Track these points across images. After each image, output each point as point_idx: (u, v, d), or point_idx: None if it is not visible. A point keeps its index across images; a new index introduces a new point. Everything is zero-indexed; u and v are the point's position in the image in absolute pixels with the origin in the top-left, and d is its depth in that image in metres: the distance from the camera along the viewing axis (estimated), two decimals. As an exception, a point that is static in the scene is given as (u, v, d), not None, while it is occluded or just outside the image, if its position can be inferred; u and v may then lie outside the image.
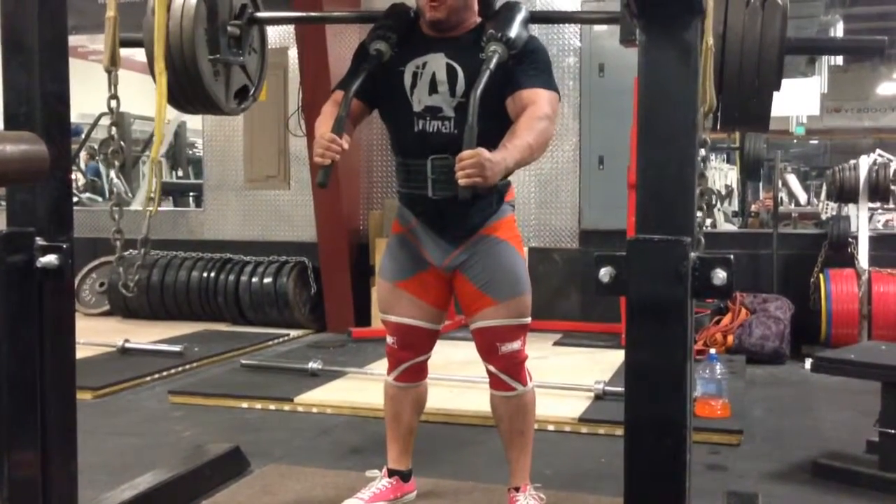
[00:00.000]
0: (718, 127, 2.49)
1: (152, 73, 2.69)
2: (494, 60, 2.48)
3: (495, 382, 2.78)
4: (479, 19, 2.71)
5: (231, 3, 3.00)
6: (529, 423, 2.84)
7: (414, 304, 2.80)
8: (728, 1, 2.33)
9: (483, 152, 2.31)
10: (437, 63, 2.65)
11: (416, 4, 2.70)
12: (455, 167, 2.33)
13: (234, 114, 3.13)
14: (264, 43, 3.23)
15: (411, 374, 2.88)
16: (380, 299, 2.89)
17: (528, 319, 2.75)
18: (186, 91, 2.86)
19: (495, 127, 2.53)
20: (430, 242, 2.76)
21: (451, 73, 2.63)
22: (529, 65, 2.59)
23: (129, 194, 8.96)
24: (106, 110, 2.46)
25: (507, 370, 2.74)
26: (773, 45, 2.30)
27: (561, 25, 6.59)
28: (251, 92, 3.17)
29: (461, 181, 2.32)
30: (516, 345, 2.73)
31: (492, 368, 2.76)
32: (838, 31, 8.88)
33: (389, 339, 2.86)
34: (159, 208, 2.80)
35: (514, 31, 2.54)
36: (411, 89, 2.67)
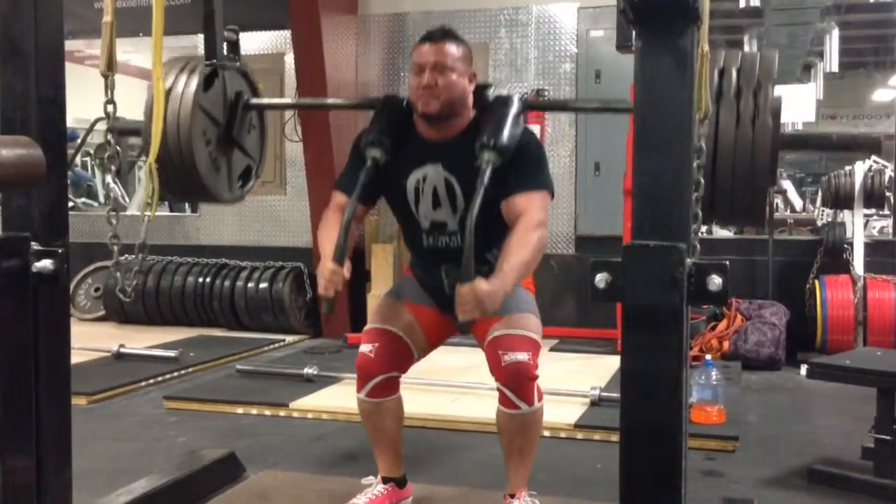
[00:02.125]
0: (713, 222, 2.54)
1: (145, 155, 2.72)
2: (488, 174, 2.51)
3: (501, 398, 2.65)
4: (473, 113, 2.72)
5: (226, 94, 3.05)
6: (532, 441, 2.75)
7: (411, 324, 2.80)
8: (719, 104, 2.34)
9: (480, 286, 2.33)
10: (436, 177, 2.69)
11: (409, 97, 2.70)
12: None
13: (236, 201, 3.18)
14: (263, 120, 3.28)
15: (382, 389, 2.78)
16: (376, 312, 2.87)
17: (536, 336, 2.68)
18: (185, 185, 2.93)
19: (495, 224, 2.58)
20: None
21: (449, 188, 2.68)
22: (522, 165, 2.60)
23: (126, 199, 8.96)
24: (101, 115, 2.46)
25: (511, 384, 2.60)
26: (764, 145, 2.32)
27: (557, 31, 6.63)
28: (254, 170, 3.21)
29: (460, 316, 2.36)
30: (521, 356, 2.60)
31: (498, 384, 2.64)
32: (833, 38, 8.88)
33: (365, 348, 2.77)
34: (156, 213, 2.80)
35: (505, 135, 2.55)
36: (415, 205, 2.73)
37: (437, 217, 2.72)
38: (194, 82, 2.89)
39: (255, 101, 3.17)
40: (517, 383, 2.61)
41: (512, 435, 2.72)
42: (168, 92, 2.81)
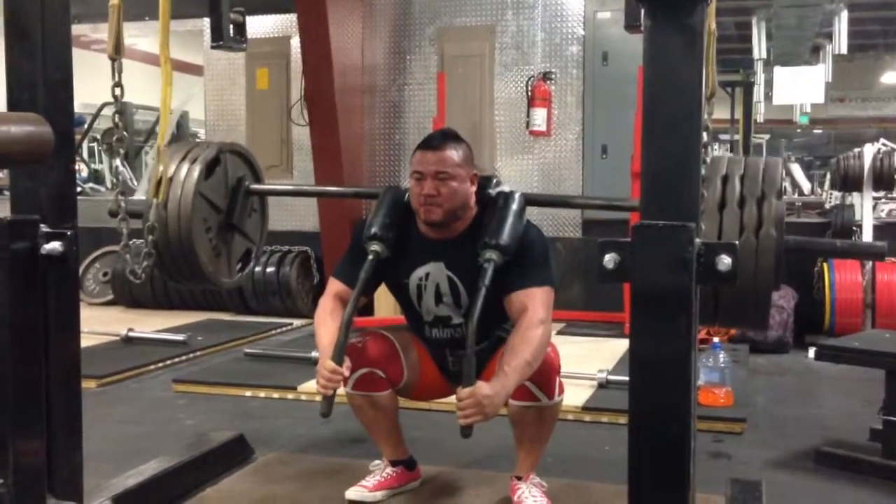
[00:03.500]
0: (718, 325, 2.53)
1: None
2: (490, 273, 2.51)
3: (516, 392, 2.52)
4: (475, 209, 2.71)
5: (227, 179, 3.07)
6: (546, 433, 2.72)
7: (410, 346, 2.81)
8: (722, 214, 2.33)
9: (480, 389, 2.33)
10: (439, 275, 2.70)
11: (412, 202, 2.68)
12: (456, 407, 2.38)
13: (235, 285, 3.28)
14: (264, 203, 3.32)
15: (368, 383, 2.74)
16: (382, 326, 2.91)
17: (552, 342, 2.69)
18: (185, 273, 3.00)
19: (498, 315, 2.60)
20: None
21: (452, 285, 2.69)
22: (524, 261, 2.59)
23: (134, 182, 8.96)
24: (109, 99, 2.47)
25: (532, 376, 2.52)
26: (768, 256, 2.32)
27: (564, 13, 6.60)
28: (254, 253, 3.26)
29: (461, 421, 2.36)
30: None
31: None
32: (842, 20, 8.82)
33: (354, 339, 2.72)
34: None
35: (507, 234, 2.55)
36: (418, 301, 2.74)
37: (440, 312, 2.74)
38: (196, 171, 2.92)
39: (255, 186, 3.17)
40: (540, 372, 2.56)
41: (526, 426, 2.69)
42: (170, 181, 2.86)
